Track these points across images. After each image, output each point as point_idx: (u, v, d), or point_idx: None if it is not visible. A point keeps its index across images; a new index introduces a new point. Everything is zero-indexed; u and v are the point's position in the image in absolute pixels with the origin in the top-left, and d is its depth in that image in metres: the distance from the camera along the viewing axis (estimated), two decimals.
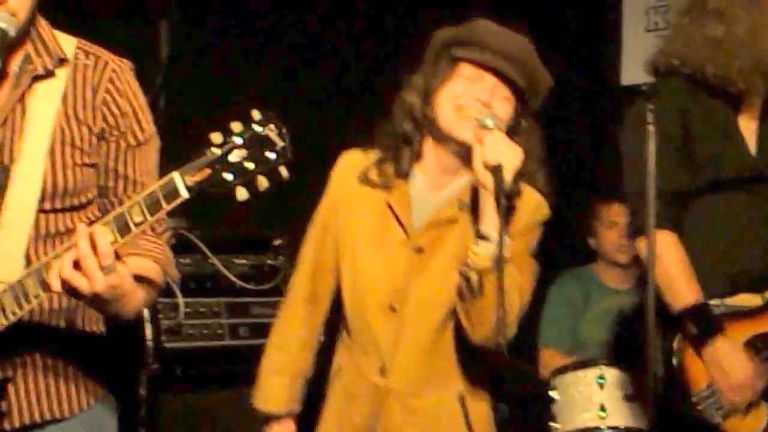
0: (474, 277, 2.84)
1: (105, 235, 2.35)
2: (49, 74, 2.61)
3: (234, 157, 2.30)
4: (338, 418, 3.11)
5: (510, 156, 2.84)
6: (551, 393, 4.55)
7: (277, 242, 4.53)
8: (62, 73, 2.63)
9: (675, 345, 3.37)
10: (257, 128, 2.31)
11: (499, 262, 2.77)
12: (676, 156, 3.37)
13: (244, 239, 4.48)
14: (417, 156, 3.06)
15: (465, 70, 2.99)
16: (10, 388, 2.60)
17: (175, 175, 2.34)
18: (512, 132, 2.97)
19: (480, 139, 2.88)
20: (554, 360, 4.96)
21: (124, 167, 2.66)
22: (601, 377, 4.45)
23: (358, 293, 3.06)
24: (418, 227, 3.03)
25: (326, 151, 3.32)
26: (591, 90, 5.85)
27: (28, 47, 2.61)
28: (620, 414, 4.40)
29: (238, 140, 2.30)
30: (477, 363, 3.06)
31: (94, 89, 2.63)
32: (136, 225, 2.38)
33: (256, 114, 2.32)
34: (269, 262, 4.47)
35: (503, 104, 2.98)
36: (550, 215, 3.06)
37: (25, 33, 2.58)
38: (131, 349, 3.97)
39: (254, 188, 2.31)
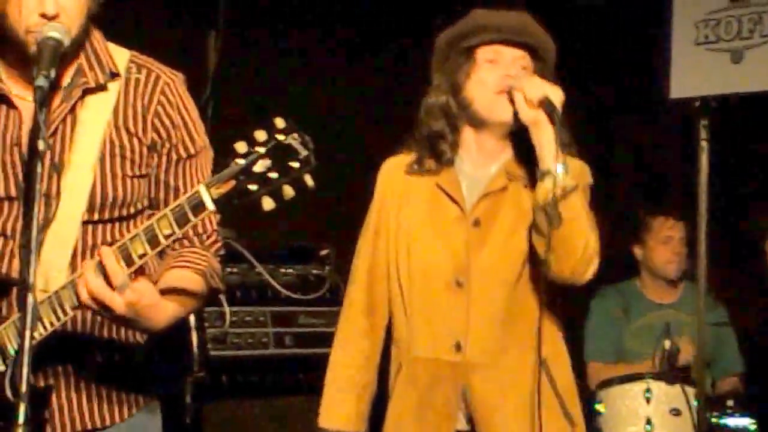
0: (549, 208, 2.89)
1: (111, 256, 2.38)
2: (101, 88, 2.63)
3: (258, 167, 2.29)
4: (414, 413, 3.08)
5: (552, 89, 2.95)
6: (597, 406, 4.52)
7: (323, 252, 4.53)
8: (114, 86, 2.64)
9: None
10: (280, 137, 2.30)
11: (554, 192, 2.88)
12: None
13: (291, 249, 4.49)
14: (456, 146, 3.13)
15: (482, 55, 3.08)
16: (53, 397, 2.61)
17: (201, 188, 2.35)
18: None
19: (519, 88, 2.98)
20: (601, 373, 4.92)
21: (175, 179, 2.68)
22: (648, 391, 4.42)
23: (419, 277, 3.08)
24: (471, 201, 3.09)
25: (372, 161, 3.33)
26: (640, 104, 5.81)
27: (81, 60, 2.63)
28: (666, 428, 4.36)
29: (262, 150, 2.30)
30: (555, 327, 3.10)
31: (146, 102, 2.65)
32: (166, 237, 2.39)
33: (279, 122, 2.32)
34: (315, 271, 4.48)
35: (523, 70, 3.06)
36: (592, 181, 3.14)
37: (78, 45, 2.60)
38: (177, 358, 3.99)
39: (280, 198, 2.31)
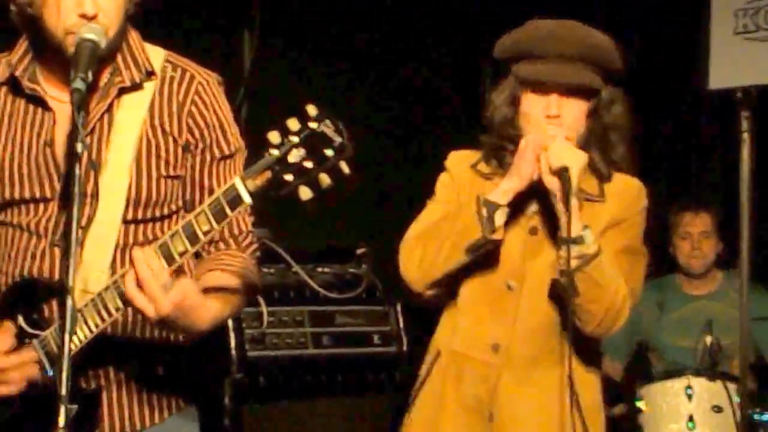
0: (565, 279, 2.89)
1: (154, 257, 2.36)
2: (137, 87, 2.63)
3: (293, 157, 2.24)
4: (441, 401, 3.09)
5: (574, 158, 2.92)
6: (638, 404, 4.49)
7: (360, 251, 4.52)
8: (149, 86, 2.64)
9: None
10: (313, 125, 2.25)
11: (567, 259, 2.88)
12: None
13: (328, 248, 4.48)
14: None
15: (527, 85, 3.05)
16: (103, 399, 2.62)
17: (237, 181, 2.31)
18: (596, 113, 3.05)
19: (545, 147, 2.95)
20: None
21: (209, 179, 2.66)
22: (689, 387, 4.39)
23: (475, 274, 3.08)
24: (531, 209, 3.08)
25: (409, 161, 3.32)
26: (679, 94, 5.77)
27: (118, 60, 2.63)
28: (708, 425, 4.33)
29: (296, 139, 2.25)
30: (588, 344, 3.09)
31: (180, 102, 2.64)
32: (204, 234, 2.37)
33: (311, 110, 2.26)
34: (352, 270, 4.48)
35: (571, 105, 3.02)
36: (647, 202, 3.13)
37: (115, 46, 2.60)
38: (216, 359, 3.99)
39: (317, 187, 2.26)
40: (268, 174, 2.26)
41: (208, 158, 2.66)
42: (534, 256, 3.06)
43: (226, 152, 2.68)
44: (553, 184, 2.91)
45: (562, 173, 2.89)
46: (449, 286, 3.09)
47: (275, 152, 2.25)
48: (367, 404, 4.33)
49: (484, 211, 2.94)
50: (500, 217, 2.96)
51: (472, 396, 3.06)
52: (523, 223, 3.08)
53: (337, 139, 2.25)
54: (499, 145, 3.10)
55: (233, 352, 4.01)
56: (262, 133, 2.77)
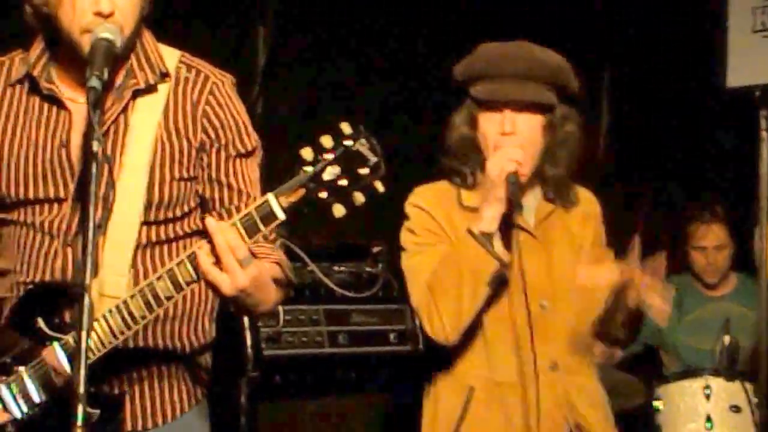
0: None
1: (231, 231, 2.34)
2: (151, 89, 2.63)
3: (327, 175, 2.27)
4: None
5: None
6: (655, 403, 4.48)
7: (376, 249, 4.52)
8: (164, 87, 2.64)
9: None
10: (348, 143, 2.27)
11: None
12: None
13: (344, 247, 4.48)
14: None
15: (483, 105, 3.14)
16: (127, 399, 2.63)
17: (270, 197, 2.32)
18: (550, 128, 3.14)
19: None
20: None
21: (227, 177, 2.66)
22: (707, 387, 4.38)
23: (499, 303, 3.11)
24: (532, 225, 3.19)
25: (425, 158, 3.32)
26: (696, 92, 5.75)
27: (132, 61, 2.63)
28: (726, 425, 4.33)
29: (330, 157, 2.27)
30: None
31: (194, 102, 2.64)
32: None
33: (346, 128, 2.29)
34: (368, 269, 4.47)
35: (525, 120, 3.11)
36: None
37: (130, 46, 2.60)
38: (231, 357, 4.00)
39: (350, 204, 2.28)
40: (302, 191, 2.29)
41: (224, 156, 2.66)
42: (554, 268, 3.16)
43: (243, 150, 2.68)
44: (497, 191, 3.00)
45: (509, 179, 2.99)
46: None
47: (309, 169, 2.27)
48: (383, 402, 4.33)
49: (486, 244, 3.00)
50: (498, 244, 3.02)
51: (546, 417, 3.08)
52: (534, 243, 3.15)
53: (373, 158, 2.28)
54: (460, 166, 3.18)
55: (249, 350, 4.01)
56: (277, 129, 2.78)
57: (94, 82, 2.37)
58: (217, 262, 2.36)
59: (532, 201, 3.21)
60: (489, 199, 3.03)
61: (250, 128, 2.71)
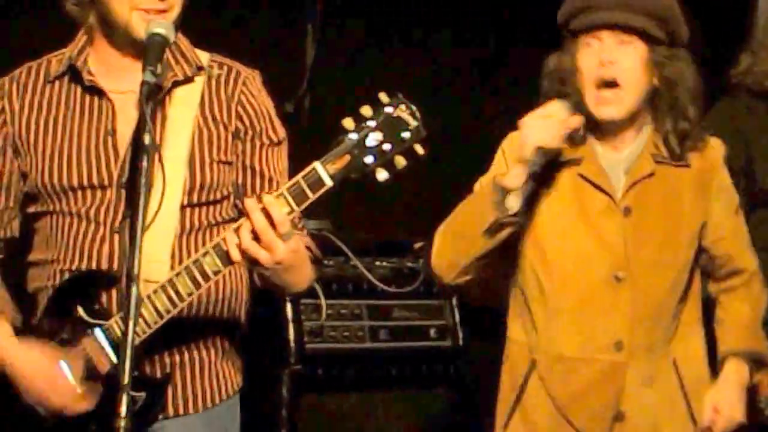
0: None
1: (277, 205, 2.40)
2: (188, 80, 2.70)
3: (371, 140, 2.37)
4: (548, 411, 2.96)
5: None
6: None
7: (417, 245, 4.53)
8: (199, 80, 2.71)
9: None
10: (389, 110, 2.38)
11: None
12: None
13: (386, 242, 4.49)
14: (589, 125, 2.95)
15: (583, 39, 2.93)
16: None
17: (317, 165, 2.40)
18: (656, 66, 2.91)
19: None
20: None
21: (260, 164, 2.73)
22: None
23: (569, 273, 2.94)
24: (619, 189, 2.94)
25: (469, 154, 3.32)
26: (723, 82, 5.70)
27: (168, 55, 2.67)
28: None
29: (372, 123, 2.37)
30: (694, 322, 3.02)
31: (229, 94, 2.71)
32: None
33: (384, 97, 2.39)
34: (410, 265, 4.47)
35: (627, 51, 2.89)
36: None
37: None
38: (274, 351, 4.03)
39: (393, 168, 2.38)
40: (348, 158, 2.38)
41: (258, 144, 2.73)
42: (635, 237, 2.92)
43: (275, 140, 2.76)
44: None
45: (536, 152, 2.82)
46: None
47: (354, 136, 2.37)
48: (423, 397, 4.33)
49: (497, 195, 2.85)
50: (514, 202, 2.85)
51: (594, 398, 2.93)
52: (612, 205, 2.93)
53: (413, 122, 2.38)
54: (560, 91, 2.93)
55: (292, 344, 4.04)
56: (324, 125, 2.80)
57: (148, 77, 2.43)
58: (256, 238, 2.41)
59: (623, 159, 2.96)
60: (517, 160, 2.85)
61: (277, 120, 2.78)
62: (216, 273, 2.48)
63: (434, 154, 2.43)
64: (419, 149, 2.39)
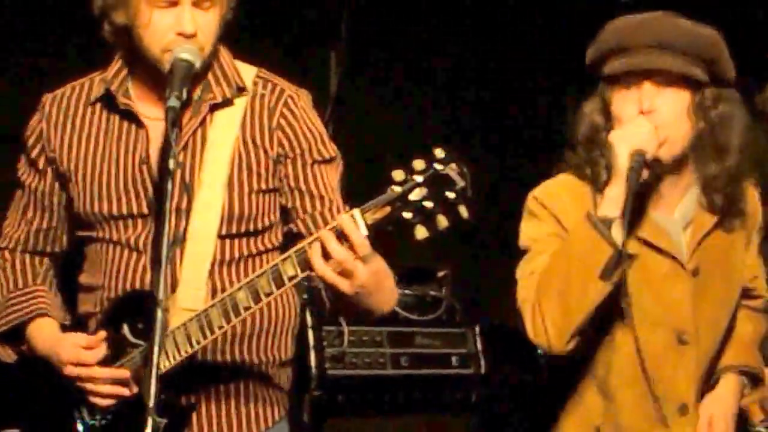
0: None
1: (354, 227, 2.34)
2: (227, 102, 2.67)
3: (414, 195, 2.29)
4: None
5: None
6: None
7: (441, 274, 4.53)
8: (241, 101, 2.68)
9: None
10: (438, 167, 2.29)
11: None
12: None
13: (409, 270, 4.50)
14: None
15: (617, 83, 2.72)
16: (194, 413, 2.66)
17: (356, 213, 2.35)
18: (701, 110, 2.70)
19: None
20: None
21: (307, 184, 2.68)
22: None
23: (633, 338, 2.76)
24: (682, 249, 2.78)
25: (493, 183, 3.31)
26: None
27: (209, 76, 2.68)
28: None
29: (419, 179, 2.29)
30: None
31: (270, 115, 2.68)
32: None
33: (439, 152, 2.31)
34: (432, 293, 4.48)
35: (668, 97, 2.69)
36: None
37: (208, 64, 2.65)
38: (297, 376, 4.03)
39: (434, 227, 2.29)
40: (388, 209, 2.31)
41: (301, 164, 2.68)
42: (701, 299, 2.78)
43: (322, 157, 2.70)
44: (623, 167, 2.60)
45: (634, 157, 2.59)
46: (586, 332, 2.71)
47: (398, 189, 2.30)
48: (444, 423, 4.33)
49: (602, 230, 2.60)
50: (618, 232, 2.59)
51: None
52: (680, 267, 2.76)
53: (460, 183, 2.29)
54: (588, 159, 2.75)
55: (314, 369, 4.05)
56: (349, 152, 2.81)
57: (173, 102, 2.44)
58: (327, 259, 2.35)
59: (678, 220, 2.78)
60: (612, 177, 2.63)
61: (327, 138, 2.73)
62: (246, 309, 2.46)
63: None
64: (464, 212, 2.28)
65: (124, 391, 2.58)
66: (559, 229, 2.74)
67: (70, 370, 2.60)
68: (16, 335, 2.73)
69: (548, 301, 2.65)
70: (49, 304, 2.74)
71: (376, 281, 2.43)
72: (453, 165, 2.29)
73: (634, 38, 2.69)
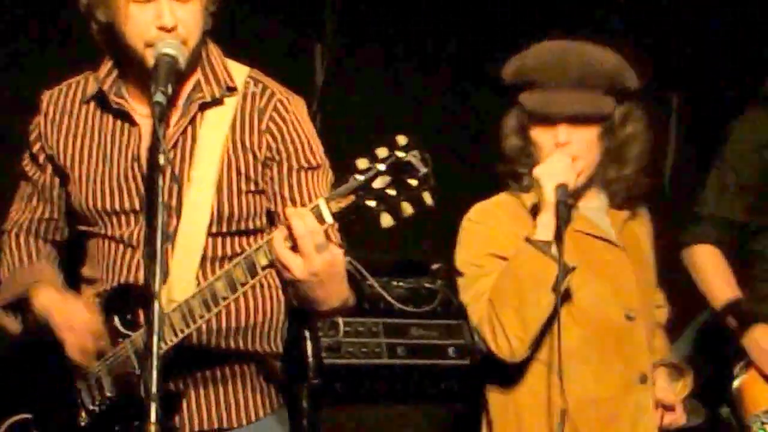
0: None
1: (310, 215, 2.38)
2: (217, 102, 2.69)
3: (378, 183, 2.32)
4: None
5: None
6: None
7: (435, 266, 4.56)
8: (231, 101, 2.70)
9: (736, 370, 3.49)
10: (400, 154, 2.32)
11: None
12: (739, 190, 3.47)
13: (404, 263, 4.53)
14: None
15: (535, 117, 3.03)
16: (185, 400, 2.72)
17: (321, 202, 2.39)
18: (609, 131, 3.02)
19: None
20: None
21: (290, 191, 2.71)
22: None
23: (585, 321, 3.04)
24: (613, 231, 3.12)
25: (484, 175, 3.35)
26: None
27: (198, 75, 2.70)
28: None
29: (382, 167, 2.32)
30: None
31: (260, 116, 2.70)
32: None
33: (401, 139, 2.34)
34: (427, 285, 4.51)
35: (581, 132, 3.00)
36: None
37: (195, 61, 2.68)
38: (293, 366, 4.07)
39: (398, 214, 2.33)
40: (352, 198, 2.34)
41: (286, 170, 2.70)
42: (636, 275, 3.12)
43: (309, 164, 2.72)
44: (550, 198, 2.91)
45: (559, 190, 2.90)
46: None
47: (360, 177, 2.32)
48: (441, 412, 4.37)
49: (543, 248, 2.90)
50: (555, 252, 2.90)
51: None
52: (616, 249, 3.09)
53: (423, 170, 2.32)
54: (515, 172, 3.08)
55: (310, 359, 4.08)
56: (335, 146, 2.85)
57: (159, 97, 2.45)
58: (294, 246, 2.39)
59: (600, 207, 3.14)
60: (541, 207, 2.95)
61: (316, 146, 2.74)
62: (224, 299, 2.51)
63: (449, 175, 2.44)
64: (427, 199, 2.32)
65: (105, 346, 2.63)
66: (494, 247, 3.02)
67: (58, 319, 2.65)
68: (21, 309, 2.79)
69: (506, 317, 2.91)
70: (52, 279, 2.80)
71: (330, 272, 2.45)
72: (415, 152, 2.32)
73: (550, 76, 2.98)
